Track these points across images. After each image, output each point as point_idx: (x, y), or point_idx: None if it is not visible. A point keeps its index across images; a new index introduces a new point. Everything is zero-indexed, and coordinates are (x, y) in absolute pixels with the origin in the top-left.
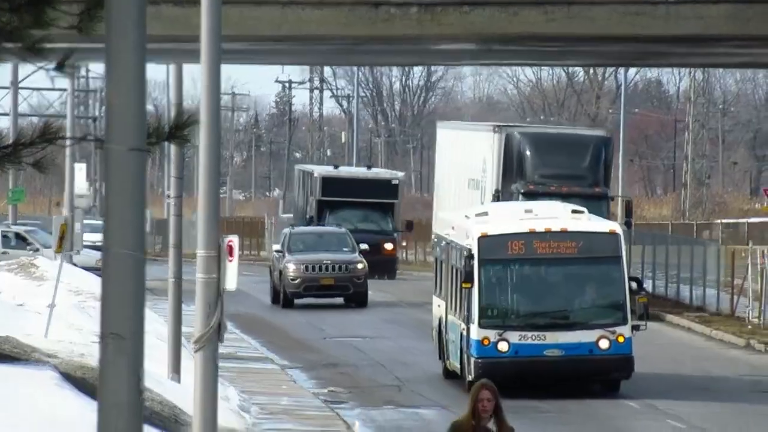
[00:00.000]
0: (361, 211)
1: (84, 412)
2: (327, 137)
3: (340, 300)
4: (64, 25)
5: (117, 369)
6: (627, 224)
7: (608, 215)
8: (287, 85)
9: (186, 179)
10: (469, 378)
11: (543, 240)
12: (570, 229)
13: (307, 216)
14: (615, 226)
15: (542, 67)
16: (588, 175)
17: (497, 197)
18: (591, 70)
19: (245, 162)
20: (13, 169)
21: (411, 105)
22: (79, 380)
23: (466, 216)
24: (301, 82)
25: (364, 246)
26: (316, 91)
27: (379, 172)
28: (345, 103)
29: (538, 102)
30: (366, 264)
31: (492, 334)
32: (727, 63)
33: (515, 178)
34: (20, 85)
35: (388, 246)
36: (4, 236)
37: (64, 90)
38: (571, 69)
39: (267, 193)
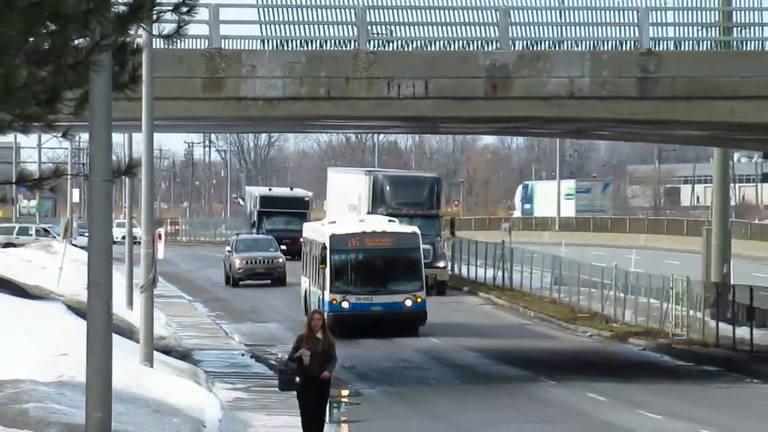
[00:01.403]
0: (285, 218)
1: (80, 327)
2: (213, 173)
3: (268, 282)
4: (67, 112)
5: (97, 303)
6: (451, 233)
7: (440, 229)
8: (190, 144)
9: (134, 197)
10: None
11: (371, 237)
12: (387, 230)
13: (251, 221)
14: (415, 229)
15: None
16: (426, 203)
17: None
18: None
19: (167, 188)
20: (39, 192)
21: (259, 154)
22: (76, 309)
23: (322, 224)
24: (198, 142)
25: (286, 243)
26: (206, 148)
27: (297, 192)
28: (223, 153)
29: (330, 153)
30: (284, 259)
31: (338, 297)
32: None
33: (380, 204)
34: (42, 145)
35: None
36: (36, 231)
37: (67, 148)
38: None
39: (179, 205)
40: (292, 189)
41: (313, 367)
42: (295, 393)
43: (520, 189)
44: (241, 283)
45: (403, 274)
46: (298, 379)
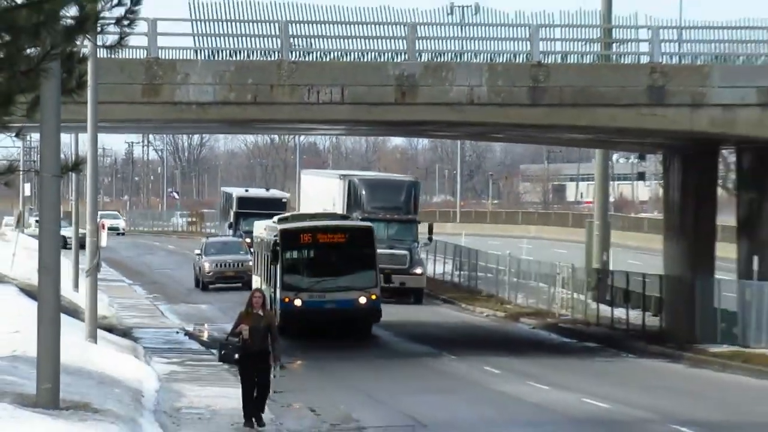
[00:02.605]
0: (263, 219)
1: (31, 307)
2: (150, 170)
3: (239, 285)
4: (19, 115)
5: (46, 285)
6: (429, 239)
7: (417, 234)
8: (130, 143)
9: (80, 191)
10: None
11: (323, 233)
12: (340, 225)
13: (228, 222)
14: (369, 225)
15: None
16: (403, 207)
17: None
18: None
19: (110, 183)
20: None
21: (192, 153)
22: (28, 291)
23: (273, 221)
24: (137, 142)
25: None
26: (145, 147)
27: (275, 193)
28: (160, 152)
29: (257, 152)
30: None
31: (290, 295)
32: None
33: (355, 209)
34: None
35: None
36: None
37: (19, 147)
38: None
39: (120, 198)
40: (268, 190)
41: (253, 342)
42: (231, 365)
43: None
44: (211, 287)
45: (356, 271)
46: (237, 355)
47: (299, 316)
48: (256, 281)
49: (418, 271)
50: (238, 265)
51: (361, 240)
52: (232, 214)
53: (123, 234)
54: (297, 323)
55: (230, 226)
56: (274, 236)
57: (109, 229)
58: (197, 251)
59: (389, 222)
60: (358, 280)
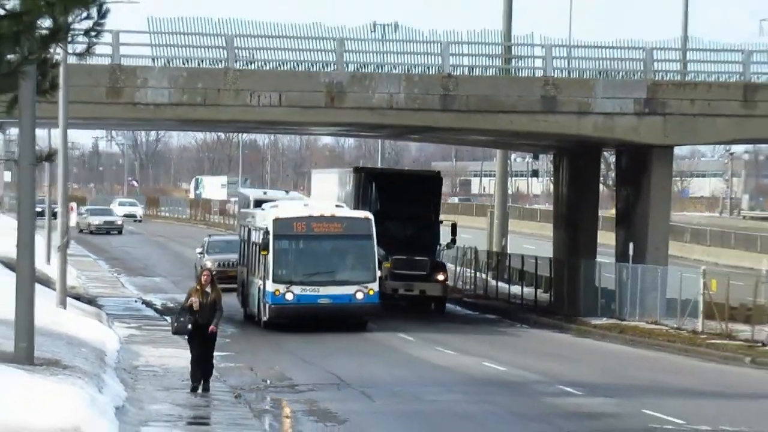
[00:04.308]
0: None
1: (10, 277)
2: (113, 161)
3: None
4: (0, 111)
5: (23, 259)
6: (453, 241)
7: (439, 235)
8: (96, 138)
9: (53, 179)
10: (264, 319)
11: (318, 222)
12: (336, 214)
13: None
14: (368, 214)
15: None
16: (424, 204)
17: None
18: (225, 135)
19: (78, 172)
20: None
21: (149, 147)
22: (7, 264)
23: (262, 208)
24: (102, 137)
25: None
26: (109, 141)
27: (293, 195)
28: (121, 146)
29: (205, 147)
30: None
31: (282, 288)
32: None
33: (369, 206)
34: None
35: None
36: None
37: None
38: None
39: (87, 186)
40: (288, 192)
41: (202, 316)
42: (184, 337)
43: (193, 181)
44: None
45: (354, 264)
46: (189, 326)
47: (290, 310)
48: (242, 273)
49: (440, 277)
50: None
51: (359, 230)
52: None
53: (140, 221)
54: (287, 318)
55: None
56: (265, 224)
57: (127, 215)
58: (198, 250)
59: (407, 222)
60: (354, 273)
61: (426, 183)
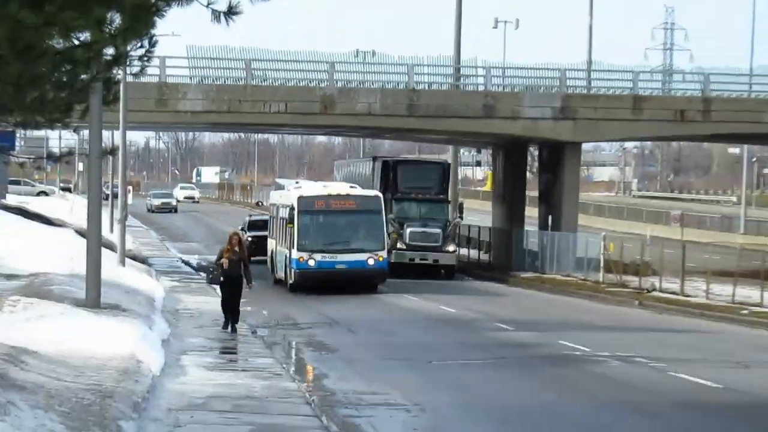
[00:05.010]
0: None
1: (83, 243)
2: (160, 155)
3: None
4: (76, 118)
5: (93, 228)
6: (460, 217)
7: (447, 213)
8: (147, 138)
9: (115, 169)
10: (291, 282)
11: (335, 199)
12: (351, 193)
13: None
14: (377, 192)
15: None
16: (435, 187)
17: None
18: (244, 135)
19: (133, 164)
20: (59, 164)
21: (188, 144)
22: (81, 232)
23: (288, 189)
24: (152, 137)
25: None
26: (157, 140)
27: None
28: (166, 143)
29: (229, 144)
30: None
31: (305, 255)
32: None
33: (389, 188)
34: (61, 137)
35: None
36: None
37: (75, 138)
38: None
39: (141, 174)
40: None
41: (230, 269)
42: (216, 286)
43: (195, 170)
44: (252, 258)
45: (366, 235)
46: (222, 278)
47: (313, 274)
48: (271, 243)
49: (451, 248)
50: None
51: (370, 206)
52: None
53: (198, 202)
54: (310, 281)
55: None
56: (291, 202)
57: (186, 197)
58: (240, 226)
59: (421, 201)
60: (366, 242)
61: (437, 169)
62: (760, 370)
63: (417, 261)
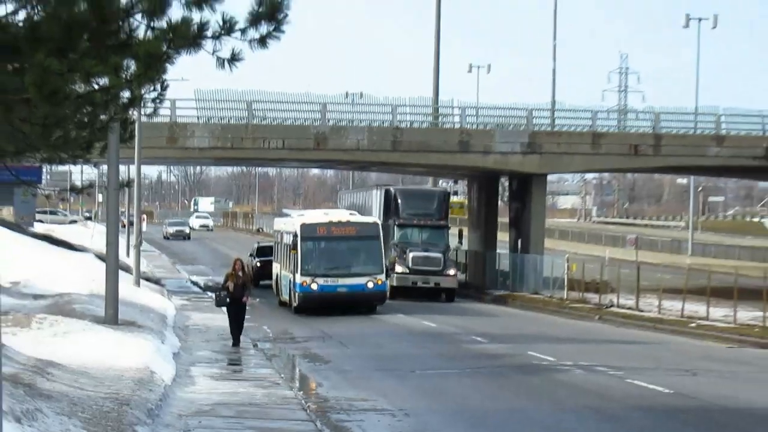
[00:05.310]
0: None
1: (102, 266)
2: (170, 187)
3: None
4: (96, 154)
5: (111, 252)
6: (459, 243)
7: (448, 239)
8: (160, 171)
9: (130, 199)
10: (295, 305)
11: (336, 226)
12: (351, 220)
13: None
14: (376, 219)
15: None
16: (436, 214)
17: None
18: (246, 168)
19: (147, 195)
20: (81, 196)
21: (195, 177)
22: (100, 256)
23: (291, 217)
24: (163, 170)
25: None
26: (169, 173)
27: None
28: (176, 176)
29: (233, 176)
30: None
31: (308, 279)
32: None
33: (391, 215)
34: (83, 171)
35: None
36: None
37: (95, 172)
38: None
39: (154, 203)
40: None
41: (235, 293)
42: (223, 308)
43: (192, 200)
44: (260, 282)
45: (365, 259)
46: (228, 299)
47: (316, 297)
48: (276, 267)
49: (451, 272)
50: None
51: (369, 232)
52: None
53: (212, 230)
54: (313, 304)
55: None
56: (294, 228)
57: (201, 226)
58: (249, 253)
59: (423, 227)
60: (366, 266)
61: (437, 196)
62: (706, 377)
63: (419, 284)
